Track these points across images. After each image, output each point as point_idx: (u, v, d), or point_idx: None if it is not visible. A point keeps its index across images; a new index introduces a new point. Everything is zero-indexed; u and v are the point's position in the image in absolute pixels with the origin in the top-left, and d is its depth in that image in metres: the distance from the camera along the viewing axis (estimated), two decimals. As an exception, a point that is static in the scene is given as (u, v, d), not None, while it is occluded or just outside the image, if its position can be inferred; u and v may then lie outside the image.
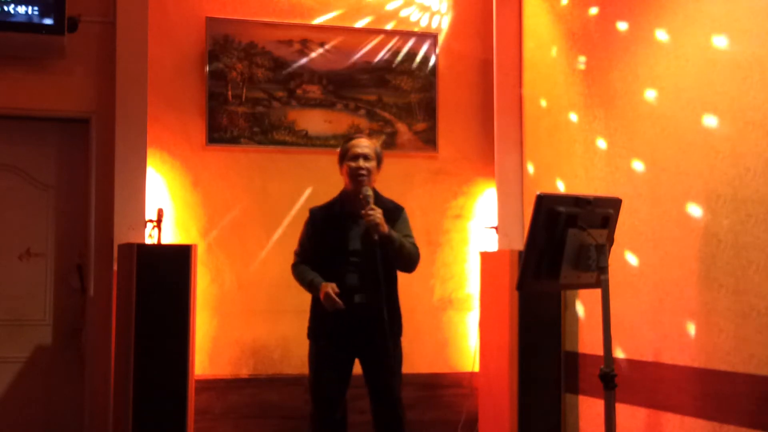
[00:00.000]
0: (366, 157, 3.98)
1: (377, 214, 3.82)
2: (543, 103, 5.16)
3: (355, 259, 3.94)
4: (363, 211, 3.84)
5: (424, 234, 5.35)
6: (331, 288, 3.84)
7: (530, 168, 5.28)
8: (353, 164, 3.97)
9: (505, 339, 4.77)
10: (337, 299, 3.82)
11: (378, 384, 3.98)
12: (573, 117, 4.85)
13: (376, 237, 3.80)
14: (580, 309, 4.81)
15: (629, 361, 4.28)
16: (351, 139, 4.10)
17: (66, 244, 4.88)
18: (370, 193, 3.89)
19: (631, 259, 4.31)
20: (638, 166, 4.31)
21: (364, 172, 3.95)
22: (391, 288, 4.01)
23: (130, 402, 4.24)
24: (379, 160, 4.04)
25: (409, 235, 4.01)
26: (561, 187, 4.91)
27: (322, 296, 3.86)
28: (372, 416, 4.02)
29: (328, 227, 4.01)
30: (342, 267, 3.94)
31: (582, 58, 4.79)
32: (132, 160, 4.75)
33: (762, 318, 3.56)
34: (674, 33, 4.09)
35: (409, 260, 3.96)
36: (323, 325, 3.99)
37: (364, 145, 4.02)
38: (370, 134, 5.25)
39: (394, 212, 3.99)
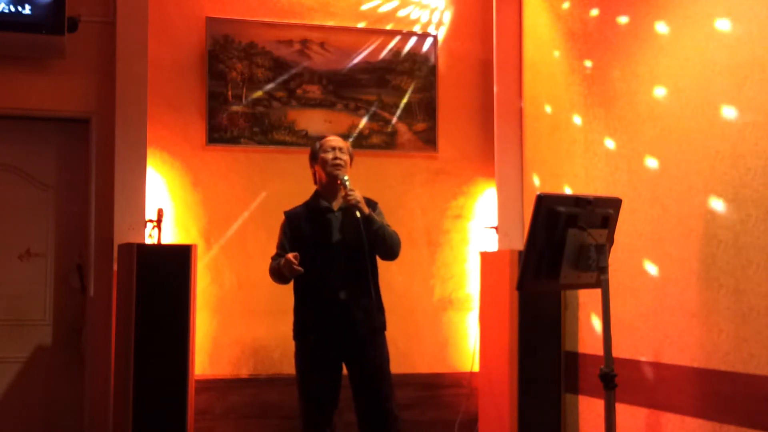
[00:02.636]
0: (341, 150, 4.03)
1: (357, 194, 3.86)
2: (543, 103, 5.16)
3: (337, 252, 3.94)
4: (343, 194, 3.89)
5: (424, 234, 5.36)
6: (292, 255, 3.81)
7: (530, 168, 5.28)
8: (330, 155, 4.00)
9: (505, 339, 4.77)
10: (295, 263, 3.78)
11: (368, 383, 3.94)
12: (573, 117, 4.85)
13: (358, 214, 3.82)
14: (580, 309, 4.81)
15: (629, 361, 4.27)
16: (321, 138, 4.16)
17: (66, 244, 4.88)
18: (347, 177, 3.94)
19: (632, 259, 4.31)
20: (638, 166, 4.31)
21: (340, 162, 3.99)
22: (376, 278, 4.00)
23: (130, 402, 4.24)
24: (351, 157, 4.10)
25: (388, 225, 4.03)
26: (561, 187, 4.91)
27: (283, 263, 3.84)
28: (357, 417, 3.97)
29: (306, 224, 4.01)
30: (324, 263, 3.93)
31: (582, 58, 4.79)
32: (132, 160, 4.75)
33: (762, 318, 3.56)
34: (674, 33, 4.09)
35: (391, 242, 3.95)
36: (311, 323, 3.97)
37: (337, 140, 4.09)
38: (370, 134, 5.26)
39: (368, 205, 4.00)
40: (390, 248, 3.97)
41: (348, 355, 3.97)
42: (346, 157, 4.03)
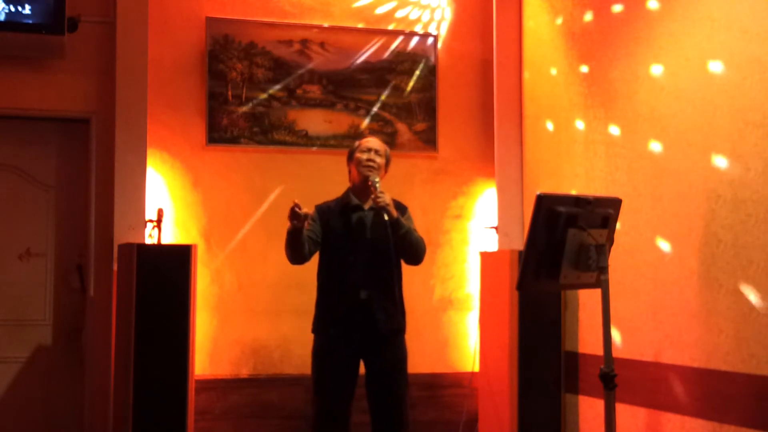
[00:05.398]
0: (377, 152, 4.04)
1: (387, 196, 3.86)
2: (543, 103, 5.16)
3: (363, 251, 3.94)
4: (373, 195, 3.89)
5: (424, 234, 5.30)
6: (294, 204, 3.72)
7: (530, 168, 5.28)
8: (364, 156, 4.01)
9: (505, 339, 4.77)
10: (296, 210, 3.70)
11: (383, 381, 3.94)
12: (573, 117, 4.85)
13: (386, 218, 3.83)
14: (580, 309, 4.81)
15: (629, 361, 4.27)
16: (362, 137, 4.19)
17: (66, 244, 4.88)
18: (378, 179, 3.94)
19: (631, 259, 4.31)
20: (639, 166, 4.31)
21: (374, 164, 4.00)
22: (398, 282, 4.00)
23: (130, 402, 4.24)
24: (387, 161, 4.10)
25: (415, 230, 4.03)
26: (561, 187, 4.91)
27: (288, 215, 3.75)
28: (371, 417, 3.98)
29: (336, 219, 4.01)
30: (349, 260, 3.93)
31: (582, 58, 4.79)
32: (132, 160, 4.75)
33: (762, 318, 3.56)
34: (674, 33, 4.09)
35: (417, 248, 3.97)
36: (331, 318, 3.95)
37: (375, 142, 4.10)
38: (370, 134, 5.26)
39: (398, 209, 4.00)
40: (415, 254, 3.99)
41: (366, 353, 3.97)
42: (380, 160, 4.03)
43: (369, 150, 4.03)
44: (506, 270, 4.79)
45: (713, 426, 3.78)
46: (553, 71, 5.05)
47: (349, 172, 4.11)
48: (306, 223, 3.81)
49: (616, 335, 4.36)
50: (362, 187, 4.01)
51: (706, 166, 3.87)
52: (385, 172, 4.10)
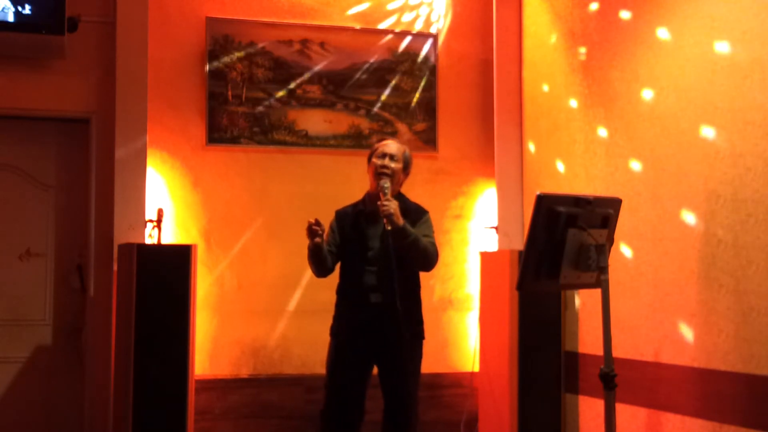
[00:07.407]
0: (392, 157, 4.00)
1: (392, 204, 3.83)
2: (543, 103, 5.16)
3: (374, 258, 3.95)
4: (379, 202, 3.86)
5: (424, 234, 5.35)
6: (313, 220, 3.83)
7: (530, 168, 5.28)
8: (379, 161, 3.99)
9: (505, 339, 4.77)
10: (314, 227, 3.80)
11: (390, 386, 3.95)
12: (573, 117, 4.85)
13: (389, 227, 3.80)
14: (580, 309, 4.81)
15: (629, 361, 4.27)
16: (381, 140, 4.15)
17: (66, 244, 4.88)
18: (387, 185, 3.91)
19: (631, 259, 4.31)
20: (638, 166, 4.31)
21: (387, 171, 3.97)
22: (410, 287, 3.98)
23: (130, 402, 4.24)
24: (405, 164, 4.06)
25: (429, 236, 4.00)
26: (561, 187, 4.91)
27: (307, 233, 3.85)
28: (383, 416, 3.99)
29: (349, 226, 4.02)
30: (362, 264, 3.95)
31: (582, 58, 4.79)
32: (132, 160, 4.75)
33: (762, 318, 3.56)
34: (674, 33, 4.09)
35: (424, 256, 3.93)
36: (344, 322, 3.99)
37: (392, 146, 4.06)
38: (370, 134, 5.26)
39: (416, 213, 4.00)
40: (423, 262, 3.96)
41: (377, 357, 3.98)
42: (395, 165, 3.99)
43: (384, 155, 4.00)
44: (506, 270, 4.78)
45: (713, 426, 3.78)
46: (553, 71, 5.05)
47: (368, 172, 4.09)
48: (326, 236, 3.88)
49: (616, 335, 4.35)
50: (377, 193, 3.99)
51: (706, 166, 3.87)
52: (405, 175, 4.07)
